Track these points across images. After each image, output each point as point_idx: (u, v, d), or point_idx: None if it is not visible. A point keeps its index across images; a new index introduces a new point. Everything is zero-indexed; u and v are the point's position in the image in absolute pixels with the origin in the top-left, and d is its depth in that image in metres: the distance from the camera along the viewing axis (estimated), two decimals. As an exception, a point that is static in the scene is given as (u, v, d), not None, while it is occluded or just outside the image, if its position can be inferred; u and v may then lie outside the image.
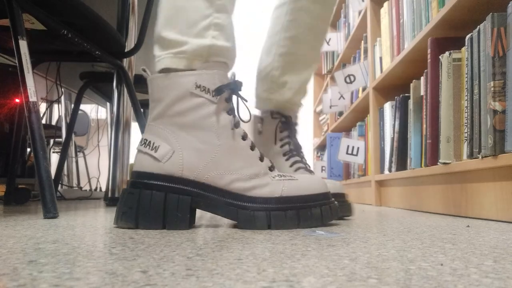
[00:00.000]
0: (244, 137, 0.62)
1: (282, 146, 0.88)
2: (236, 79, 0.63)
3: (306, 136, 3.83)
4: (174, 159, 0.59)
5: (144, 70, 0.63)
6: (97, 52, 1.14)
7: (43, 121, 2.50)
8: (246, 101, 0.65)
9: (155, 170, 0.59)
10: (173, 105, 0.60)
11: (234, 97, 0.64)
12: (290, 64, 0.90)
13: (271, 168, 0.63)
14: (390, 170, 1.45)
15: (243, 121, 0.65)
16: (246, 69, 1.20)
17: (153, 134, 0.60)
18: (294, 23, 0.89)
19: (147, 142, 0.60)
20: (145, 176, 0.59)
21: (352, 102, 2.21)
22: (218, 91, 0.60)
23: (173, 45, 0.61)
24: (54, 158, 3.12)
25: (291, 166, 0.86)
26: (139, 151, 0.61)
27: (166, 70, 0.61)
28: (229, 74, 0.63)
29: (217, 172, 0.59)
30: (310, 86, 4.40)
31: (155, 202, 0.58)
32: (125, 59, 1.39)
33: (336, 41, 2.60)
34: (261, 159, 0.62)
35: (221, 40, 0.62)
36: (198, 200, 0.59)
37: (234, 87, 0.62)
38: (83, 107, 3.02)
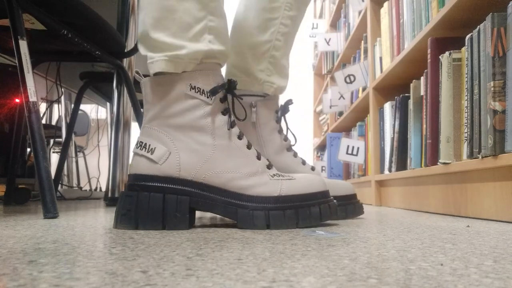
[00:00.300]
0: (240, 137, 0.62)
1: (285, 139, 0.79)
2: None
3: (306, 136, 3.83)
4: (170, 160, 0.59)
5: (138, 73, 0.63)
6: (97, 52, 1.14)
7: (43, 121, 2.50)
8: (241, 99, 0.64)
9: (152, 172, 0.59)
10: (168, 107, 0.60)
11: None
12: (288, 46, 0.82)
13: (269, 166, 0.63)
14: (390, 170, 1.45)
15: (238, 119, 0.65)
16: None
17: (149, 136, 0.60)
18: (298, 2, 0.80)
19: (142, 145, 0.60)
20: (142, 178, 0.59)
21: (352, 102, 2.21)
22: (213, 92, 0.60)
23: (167, 48, 0.60)
24: (54, 158, 3.11)
25: (304, 164, 0.79)
26: (135, 154, 0.61)
27: (160, 73, 0.61)
28: None
29: (214, 171, 0.59)
30: (310, 86, 4.35)
31: (153, 204, 0.57)
32: (125, 59, 1.38)
33: (336, 41, 2.60)
34: (258, 158, 0.62)
35: (217, 44, 0.61)
36: (196, 200, 0.59)
37: (228, 87, 0.62)
38: (83, 107, 3.02)
